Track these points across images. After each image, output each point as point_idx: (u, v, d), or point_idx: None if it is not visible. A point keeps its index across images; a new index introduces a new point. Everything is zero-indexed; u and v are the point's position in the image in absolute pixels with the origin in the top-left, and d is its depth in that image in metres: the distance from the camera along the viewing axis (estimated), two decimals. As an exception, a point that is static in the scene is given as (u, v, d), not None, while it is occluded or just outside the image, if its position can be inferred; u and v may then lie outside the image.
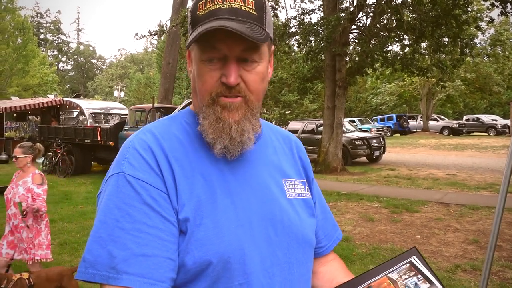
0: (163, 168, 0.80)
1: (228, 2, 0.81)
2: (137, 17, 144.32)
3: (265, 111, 42.89)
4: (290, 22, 13.15)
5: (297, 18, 13.21)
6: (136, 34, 18.62)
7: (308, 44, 12.86)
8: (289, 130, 17.80)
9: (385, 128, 31.07)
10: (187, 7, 15.24)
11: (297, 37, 13.11)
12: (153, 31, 15.15)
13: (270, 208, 0.87)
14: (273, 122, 43.74)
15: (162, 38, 28.66)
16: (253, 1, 0.83)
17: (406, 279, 0.88)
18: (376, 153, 15.17)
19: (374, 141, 15.17)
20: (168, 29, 15.10)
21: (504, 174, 2.72)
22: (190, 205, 0.79)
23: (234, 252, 0.79)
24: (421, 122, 33.97)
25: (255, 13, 0.82)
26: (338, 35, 11.48)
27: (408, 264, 0.90)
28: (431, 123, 33.38)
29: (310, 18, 13.42)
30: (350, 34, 13.00)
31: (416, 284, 0.86)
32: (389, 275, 0.90)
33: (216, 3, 0.81)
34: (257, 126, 0.89)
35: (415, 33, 11.57)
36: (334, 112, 12.73)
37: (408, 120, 33.83)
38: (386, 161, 15.52)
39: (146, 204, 0.77)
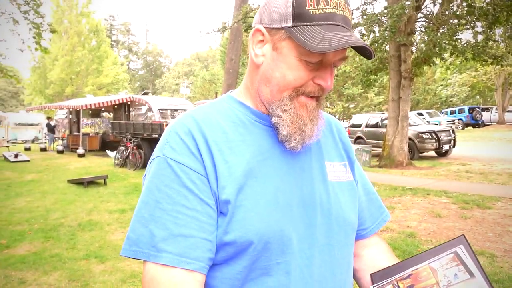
0: (202, 152, 0.83)
1: (341, 9, 0.82)
2: (202, 15, 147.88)
3: (328, 105, 42.34)
4: (353, 13, 12.86)
5: (360, 8, 12.90)
6: (200, 31, 19.11)
7: (371, 35, 12.51)
8: (352, 124, 17.65)
9: (456, 121, 29.50)
10: (248, 3, 15.38)
11: (360, 28, 12.80)
12: (216, 28, 15.50)
13: (310, 192, 0.89)
14: (336, 116, 43.07)
15: (225, 34, 29.20)
16: (349, 8, 0.85)
17: (446, 269, 0.86)
18: (446, 147, 14.45)
19: (443, 134, 14.45)
20: (230, 25, 15.35)
21: None
22: (230, 188, 0.81)
23: (273, 233, 0.81)
24: (496, 114, 31.79)
25: (351, 21, 0.86)
26: (403, 24, 11.07)
27: (452, 254, 0.88)
28: (508, 115, 31.13)
29: (373, 8, 13.05)
30: (416, 23, 12.47)
31: (455, 274, 0.84)
32: (431, 264, 0.89)
33: (331, 6, 0.80)
34: (322, 121, 0.92)
35: (488, 19, 10.86)
36: (400, 104, 12.30)
37: (482, 112, 31.79)
38: (457, 156, 14.75)
39: (185, 186, 0.80)
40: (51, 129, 22.50)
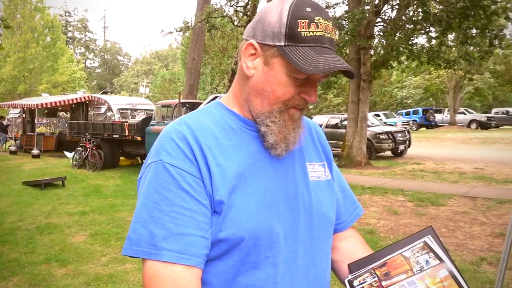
0: (197, 156, 0.88)
1: (329, 32, 0.89)
2: (162, 13, 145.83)
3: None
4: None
5: (321, 12, 13.15)
6: (162, 30, 18.94)
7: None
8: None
9: (411, 122, 30.62)
10: (211, 3, 15.36)
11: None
12: (178, 27, 15.38)
13: (294, 191, 0.97)
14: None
15: (187, 34, 28.97)
16: (335, 30, 0.92)
17: (418, 256, 0.94)
18: (401, 147, 15.02)
19: (399, 135, 15.02)
20: (193, 25, 15.27)
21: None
22: (223, 189, 0.87)
23: (263, 230, 0.89)
24: (448, 116, 33.29)
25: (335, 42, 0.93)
26: (362, 28, 11.41)
27: (422, 244, 0.96)
28: (459, 116, 32.66)
29: (335, 12, 13.37)
30: (375, 27, 12.89)
31: (427, 261, 0.91)
32: (403, 253, 0.97)
33: (321, 29, 0.87)
34: (303, 128, 1.01)
35: (442, 25, 11.39)
36: (359, 106, 12.67)
37: (435, 114, 33.19)
38: (412, 155, 15.35)
39: (182, 189, 0.86)
40: (4, 128, 21.54)
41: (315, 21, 0.87)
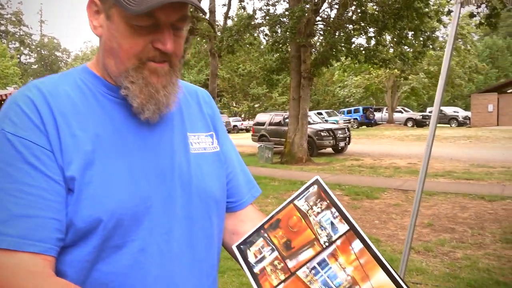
0: (47, 124, 0.76)
1: None
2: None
3: (234, 104, 42.79)
4: (256, 13, 13.18)
5: (263, 8, 13.24)
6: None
7: (274, 35, 12.92)
8: (257, 122, 18.00)
9: (352, 120, 31.61)
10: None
11: (263, 28, 13.16)
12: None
13: (169, 164, 0.86)
14: (242, 116, 43.73)
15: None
16: None
17: (318, 213, 0.80)
18: (341, 144, 15.44)
19: (340, 132, 15.42)
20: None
21: (423, 161, 3.02)
22: (76, 163, 0.75)
23: (126, 210, 0.77)
24: (387, 114, 34.74)
25: None
26: (302, 26, 11.57)
27: (316, 187, 0.82)
28: (396, 115, 34.19)
29: (276, 9, 13.49)
30: (316, 26, 13.12)
31: (332, 223, 0.78)
32: (295, 202, 0.83)
33: None
34: (179, 88, 0.87)
35: (378, 25, 11.79)
36: (300, 103, 12.85)
37: (374, 112, 34.52)
38: (351, 152, 15.79)
39: (28, 163, 0.73)
40: None
41: None
